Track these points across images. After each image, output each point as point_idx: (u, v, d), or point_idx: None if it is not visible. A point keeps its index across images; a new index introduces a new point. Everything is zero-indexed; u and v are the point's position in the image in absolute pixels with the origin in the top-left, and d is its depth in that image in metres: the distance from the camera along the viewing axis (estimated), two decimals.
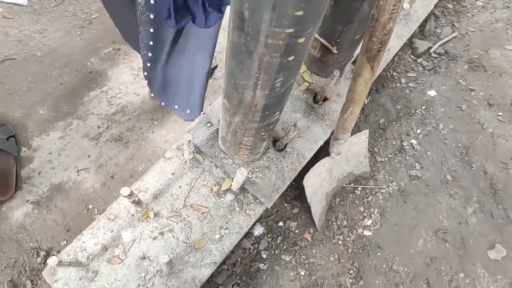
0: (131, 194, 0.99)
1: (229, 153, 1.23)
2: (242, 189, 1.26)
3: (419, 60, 2.20)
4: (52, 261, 0.87)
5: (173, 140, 1.87)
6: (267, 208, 1.23)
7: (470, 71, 2.16)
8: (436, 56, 2.22)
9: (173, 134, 1.89)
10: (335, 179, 1.68)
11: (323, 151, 1.50)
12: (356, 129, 1.93)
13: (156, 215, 1.19)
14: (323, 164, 1.53)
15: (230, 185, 1.23)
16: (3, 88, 1.86)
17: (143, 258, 1.14)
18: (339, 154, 1.46)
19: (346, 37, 1.21)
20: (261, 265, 1.59)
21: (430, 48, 2.22)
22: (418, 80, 2.13)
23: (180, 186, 1.24)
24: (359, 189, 1.79)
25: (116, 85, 1.99)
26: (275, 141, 1.30)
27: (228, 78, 0.85)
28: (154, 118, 1.93)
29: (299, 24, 0.62)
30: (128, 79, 2.02)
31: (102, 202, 1.69)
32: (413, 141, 1.92)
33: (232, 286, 1.54)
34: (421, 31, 2.29)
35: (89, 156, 1.79)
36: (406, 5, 1.38)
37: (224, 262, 1.57)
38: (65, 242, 1.58)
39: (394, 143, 1.93)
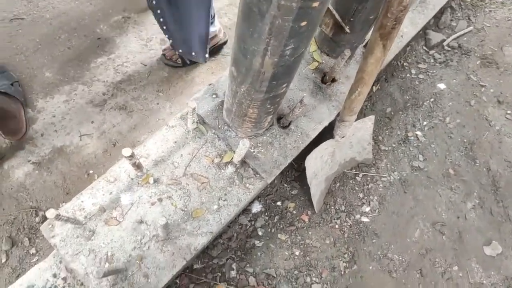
0: (132, 156, 0.99)
1: (233, 126, 1.23)
2: (243, 163, 1.26)
3: (431, 52, 2.17)
4: (50, 213, 0.88)
5: (178, 113, 1.87)
6: (267, 184, 1.24)
7: (482, 67, 2.13)
8: (449, 49, 2.19)
9: (178, 107, 1.89)
10: (336, 163, 1.68)
11: (326, 134, 1.50)
12: (362, 116, 1.92)
13: (156, 181, 1.20)
14: (325, 147, 1.52)
15: (232, 158, 1.24)
16: (10, 47, 1.86)
17: (140, 222, 1.15)
18: (343, 137, 1.46)
19: (359, 16, 1.19)
20: (256, 242, 1.61)
21: (443, 40, 2.19)
22: (428, 72, 2.11)
23: (181, 155, 1.25)
24: (360, 175, 1.79)
25: (123, 54, 1.98)
26: (279, 118, 1.30)
27: (238, 43, 0.84)
28: (160, 90, 1.93)
29: None
30: (136, 48, 2.01)
31: (102, 168, 1.70)
32: (418, 132, 1.91)
33: (227, 259, 1.55)
34: (436, 23, 2.26)
35: (92, 122, 1.79)
36: None
37: (220, 236, 1.58)
38: (63, 204, 1.59)
39: (399, 133, 1.92)
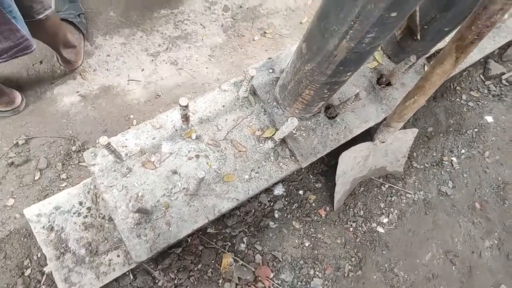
0: (187, 106, 1.02)
1: (283, 103, 1.24)
2: (282, 142, 1.28)
3: (487, 83, 2.12)
4: (103, 140, 0.93)
5: (224, 81, 1.89)
6: (301, 167, 1.25)
7: None
8: (507, 84, 2.12)
9: (226, 75, 1.91)
10: (367, 167, 1.68)
11: (364, 136, 1.49)
12: (402, 129, 1.90)
13: (197, 138, 1.23)
14: (361, 148, 1.52)
15: (273, 134, 1.26)
16: None
17: (175, 172, 1.18)
18: (383, 142, 1.45)
19: (434, 26, 1.17)
20: (271, 223, 1.63)
21: (503, 74, 2.13)
22: (479, 101, 2.06)
23: (226, 120, 1.27)
24: (386, 186, 1.78)
25: (186, 11, 2.01)
26: (328, 107, 1.30)
27: (318, 20, 0.84)
28: (212, 55, 1.96)
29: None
30: (199, 9, 2.03)
31: (142, 116, 1.75)
32: (454, 159, 1.88)
33: (239, 232, 1.59)
34: (500, 54, 2.19)
35: (142, 70, 1.84)
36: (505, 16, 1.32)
37: (238, 208, 1.62)
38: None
39: (434, 154, 1.89)
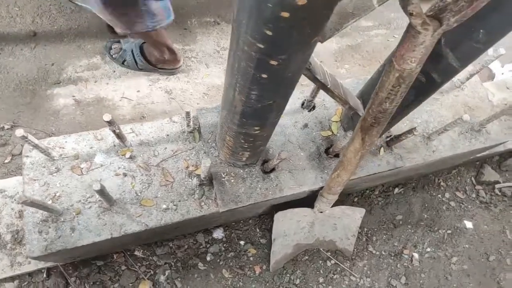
0: (111, 122, 1.08)
1: (218, 146, 1.26)
2: (211, 183, 1.28)
3: (477, 187, 1.98)
4: (18, 132, 1.00)
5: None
6: (218, 212, 1.23)
7: None
8: (499, 194, 1.97)
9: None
10: (314, 237, 1.60)
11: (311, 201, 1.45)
12: (367, 206, 1.81)
13: (131, 157, 1.27)
14: (304, 214, 1.47)
15: None
16: None
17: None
18: (321, 212, 1.40)
19: None
20: (200, 264, 1.59)
21: (497, 182, 1.98)
22: (462, 204, 1.92)
23: (165, 148, 1.31)
24: (332, 261, 1.68)
25: (197, 50, 2.14)
26: (265, 161, 1.30)
27: (227, 68, 0.88)
28: (207, 94, 2.04)
29: (269, 44, 0.63)
30: (209, 50, 2.15)
31: None
32: (416, 255, 1.74)
33: (165, 263, 1.56)
34: (499, 162, 2.05)
35: (138, 91, 1.96)
36: (466, 116, 1.26)
37: (172, 240, 1.60)
38: None
39: (396, 244, 1.76)
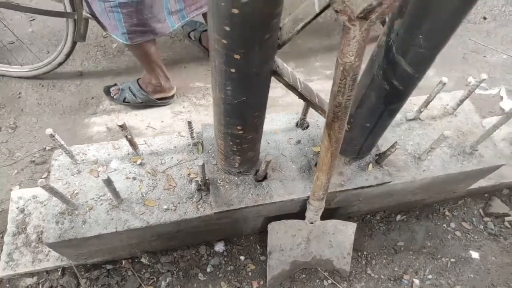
0: (123, 127, 1.26)
1: (215, 154, 1.40)
2: (208, 189, 1.39)
3: (485, 218, 1.92)
4: (48, 131, 1.20)
5: None
6: (212, 213, 1.33)
7: None
8: (508, 227, 1.90)
9: None
10: (311, 254, 1.63)
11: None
12: (367, 230, 1.82)
13: (141, 164, 1.43)
14: (298, 227, 1.52)
15: None
16: None
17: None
18: (312, 223, 1.45)
19: (357, 120, 1.26)
20: (200, 275, 1.64)
21: (506, 215, 1.92)
22: (469, 234, 1.86)
23: (172, 158, 1.46)
24: (329, 281, 1.67)
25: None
26: (257, 171, 1.40)
27: (211, 70, 1.03)
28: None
29: (229, 39, 0.78)
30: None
31: None
32: (417, 281, 1.68)
33: (168, 271, 1.63)
34: (509, 195, 2.00)
35: (162, 122, 2.18)
36: (447, 132, 1.32)
37: (175, 250, 1.68)
38: None
39: (396, 269, 1.73)
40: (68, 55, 2.09)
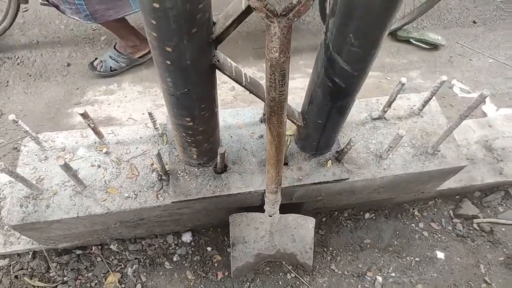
0: (84, 115, 1.30)
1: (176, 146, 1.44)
2: (169, 178, 1.43)
3: (454, 220, 1.92)
4: (11, 116, 1.25)
5: None
6: (171, 202, 1.37)
7: (501, 265, 1.77)
8: (477, 229, 1.90)
9: None
10: (275, 248, 1.66)
11: None
12: (334, 227, 1.84)
13: (107, 153, 1.47)
14: (260, 220, 1.55)
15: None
16: None
17: (76, 171, 1.43)
18: (270, 216, 1.47)
19: (310, 116, 1.28)
20: (166, 263, 1.69)
21: (475, 217, 1.92)
22: (436, 234, 1.87)
23: (137, 148, 1.50)
24: (292, 275, 1.69)
25: None
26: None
27: None
28: None
29: (158, 32, 0.82)
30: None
31: None
32: (380, 278, 1.70)
33: (135, 258, 1.68)
34: (481, 198, 2.00)
35: (143, 114, 2.23)
36: (401, 131, 1.33)
37: (144, 238, 1.73)
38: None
39: (360, 266, 1.75)
40: (13, 19, 2.17)
